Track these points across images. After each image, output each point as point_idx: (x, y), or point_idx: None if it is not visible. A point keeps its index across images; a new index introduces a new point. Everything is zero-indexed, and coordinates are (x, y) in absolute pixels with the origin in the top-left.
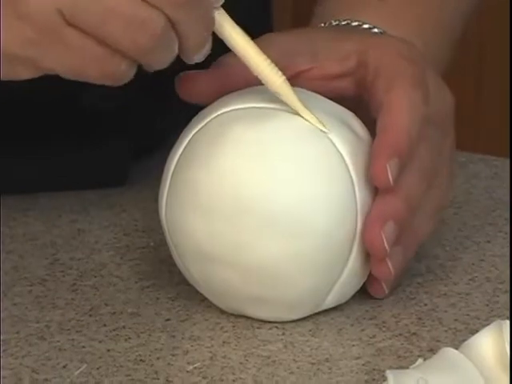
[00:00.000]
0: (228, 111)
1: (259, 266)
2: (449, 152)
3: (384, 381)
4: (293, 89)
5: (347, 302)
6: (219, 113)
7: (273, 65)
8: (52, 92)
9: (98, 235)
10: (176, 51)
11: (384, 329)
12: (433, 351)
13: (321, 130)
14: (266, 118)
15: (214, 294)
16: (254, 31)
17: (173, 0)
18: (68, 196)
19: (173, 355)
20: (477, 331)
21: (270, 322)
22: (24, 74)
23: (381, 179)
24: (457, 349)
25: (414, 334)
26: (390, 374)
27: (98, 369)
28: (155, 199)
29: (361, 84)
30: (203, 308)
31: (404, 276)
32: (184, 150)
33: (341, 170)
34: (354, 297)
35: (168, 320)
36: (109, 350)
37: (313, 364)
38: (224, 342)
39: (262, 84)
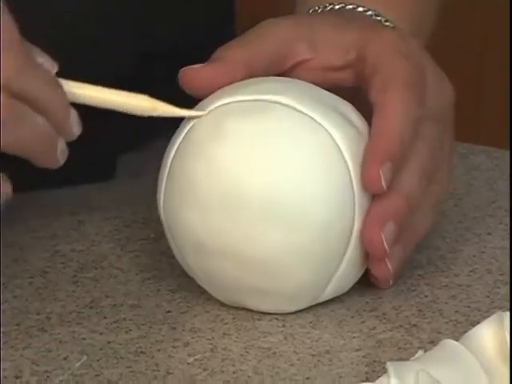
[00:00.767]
0: (225, 104)
1: (257, 258)
2: (449, 145)
3: (384, 372)
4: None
5: (347, 294)
6: (216, 105)
7: (132, 93)
8: None
9: (98, 227)
10: (42, 126)
11: (384, 321)
12: (433, 343)
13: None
14: (263, 110)
15: (213, 286)
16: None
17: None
18: (68, 188)
19: (173, 347)
20: (477, 323)
21: (270, 313)
22: None
23: (374, 185)
24: (457, 340)
25: (415, 325)
26: (390, 365)
27: (98, 361)
28: (155, 191)
29: (360, 76)
30: (204, 300)
31: (405, 268)
32: (181, 142)
33: (338, 162)
34: (354, 288)
35: (169, 312)
36: (109, 342)
37: (313, 356)
38: (224, 334)
39: (264, 75)
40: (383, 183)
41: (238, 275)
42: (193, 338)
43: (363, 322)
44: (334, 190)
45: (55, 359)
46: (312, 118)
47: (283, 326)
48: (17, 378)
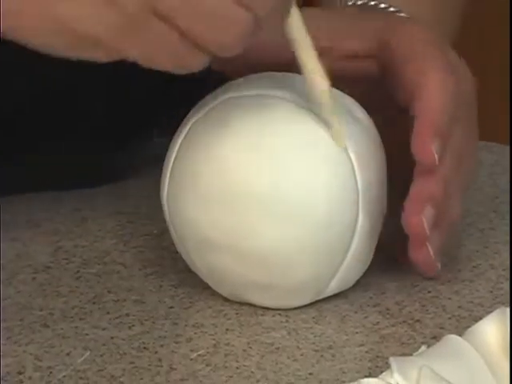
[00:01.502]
0: (228, 99)
1: (261, 254)
2: (476, 131)
3: (387, 368)
4: (332, 97)
5: (351, 289)
6: (219, 101)
7: (322, 70)
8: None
9: (101, 223)
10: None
11: (388, 316)
12: (436, 338)
13: (336, 144)
14: (265, 105)
15: (216, 281)
16: None
17: (265, 2)
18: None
19: (176, 343)
20: (480, 318)
21: (273, 309)
22: (104, 57)
23: (428, 158)
24: (460, 336)
25: (418, 321)
26: (393, 361)
27: (101, 356)
28: (159, 186)
29: (385, 65)
30: (206, 295)
31: (407, 264)
32: (185, 138)
33: (342, 156)
34: (357, 284)
35: (171, 307)
36: (112, 338)
37: (316, 351)
38: (227, 330)
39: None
40: (436, 156)
41: (241, 270)
42: (196, 333)
43: (366, 317)
44: (337, 185)
45: (58, 355)
46: (316, 113)
47: (286, 321)
48: (20, 373)
